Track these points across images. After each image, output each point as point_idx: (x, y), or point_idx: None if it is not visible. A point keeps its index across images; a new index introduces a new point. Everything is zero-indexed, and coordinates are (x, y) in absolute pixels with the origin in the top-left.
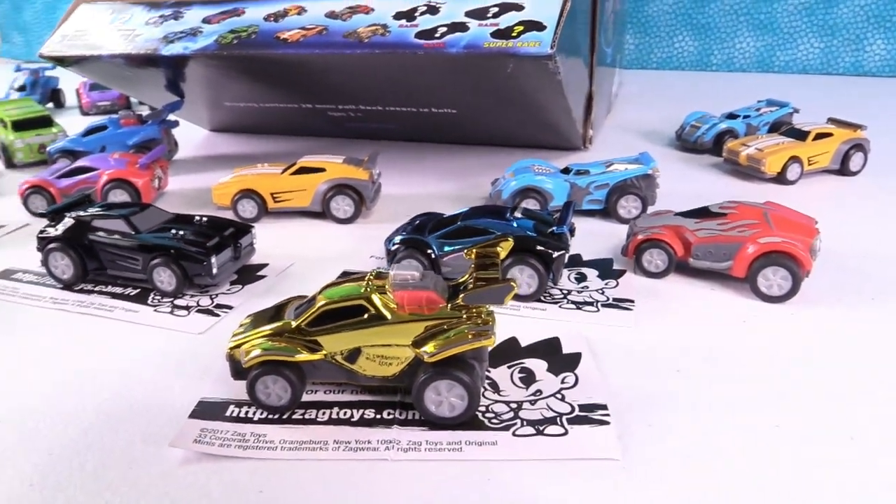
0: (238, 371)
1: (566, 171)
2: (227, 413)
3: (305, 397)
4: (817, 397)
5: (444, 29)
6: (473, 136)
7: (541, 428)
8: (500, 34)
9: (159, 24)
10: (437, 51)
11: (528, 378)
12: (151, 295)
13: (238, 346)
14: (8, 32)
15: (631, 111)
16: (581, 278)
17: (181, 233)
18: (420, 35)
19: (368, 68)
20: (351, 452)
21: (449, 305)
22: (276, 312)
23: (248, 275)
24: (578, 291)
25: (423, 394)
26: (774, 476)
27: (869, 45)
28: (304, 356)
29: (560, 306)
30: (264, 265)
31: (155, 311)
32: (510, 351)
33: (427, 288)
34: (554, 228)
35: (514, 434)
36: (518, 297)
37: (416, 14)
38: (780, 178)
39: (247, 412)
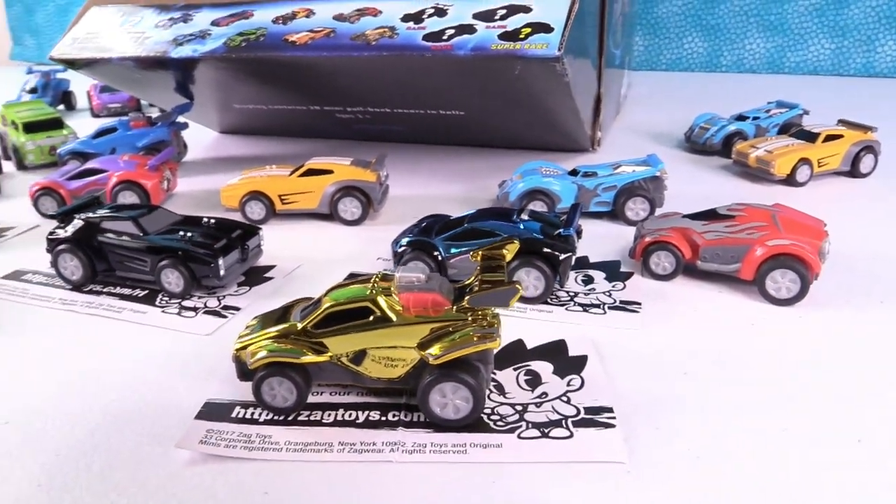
0: (244, 372)
1: (574, 173)
2: (233, 414)
3: (311, 399)
4: (825, 400)
5: (452, 31)
6: (481, 138)
7: (546, 430)
8: (507, 36)
9: (169, 27)
10: (444, 53)
11: (534, 380)
12: (159, 296)
13: (244, 348)
14: (20, 35)
15: (640, 113)
16: (588, 280)
17: (189, 234)
18: (428, 37)
19: (376, 70)
20: (356, 454)
21: (454, 307)
22: (283, 314)
23: (256, 276)
24: (585, 294)
25: (428, 396)
26: (782, 479)
27: (880, 45)
28: (309, 358)
29: (567, 308)
30: (272, 267)
31: (163, 312)
32: (516, 353)
33: (432, 290)
34: (561, 231)
35: (519, 437)
36: (524, 300)
37: (424, 16)
38: (790, 180)
39: (252, 413)
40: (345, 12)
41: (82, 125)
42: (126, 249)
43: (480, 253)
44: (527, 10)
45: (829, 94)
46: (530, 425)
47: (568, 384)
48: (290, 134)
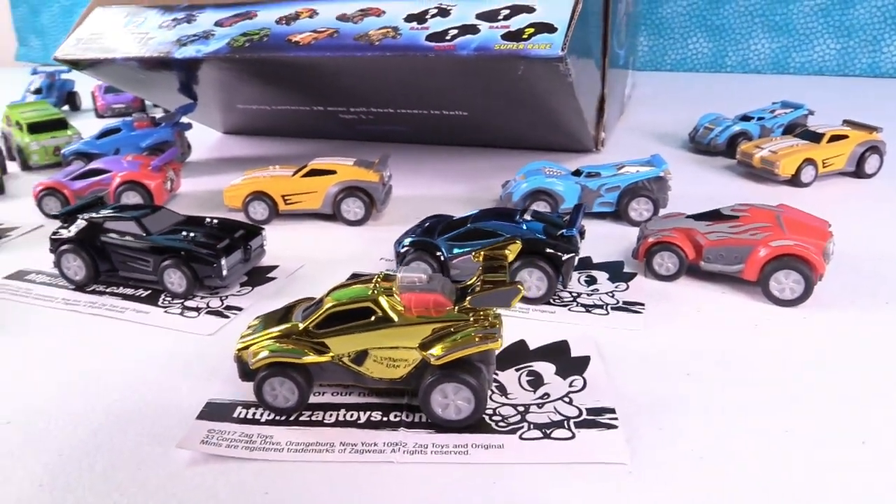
0: (246, 372)
1: (577, 173)
2: (235, 414)
3: (313, 399)
4: (829, 401)
5: (455, 31)
6: (485, 138)
7: (548, 431)
8: (510, 36)
9: (172, 28)
10: (447, 53)
11: (536, 381)
12: (162, 296)
13: (246, 348)
14: (25, 36)
15: (644, 113)
16: (591, 281)
17: (192, 235)
18: (431, 38)
19: (379, 71)
20: (357, 455)
21: (456, 308)
22: (285, 314)
23: (259, 276)
24: (588, 294)
25: (429, 396)
26: (786, 481)
27: (886, 46)
28: (311, 358)
29: (569, 309)
30: (274, 267)
31: (165, 312)
32: (518, 354)
33: (434, 290)
34: (564, 231)
35: (520, 437)
36: (527, 300)
37: (427, 17)
38: (795, 181)
39: (254, 413)
40: (348, 12)
41: (87, 125)
42: (129, 249)
43: (482, 253)
44: (530, 10)
45: (835, 94)
46: (532, 426)
47: (570, 385)
48: (293, 134)
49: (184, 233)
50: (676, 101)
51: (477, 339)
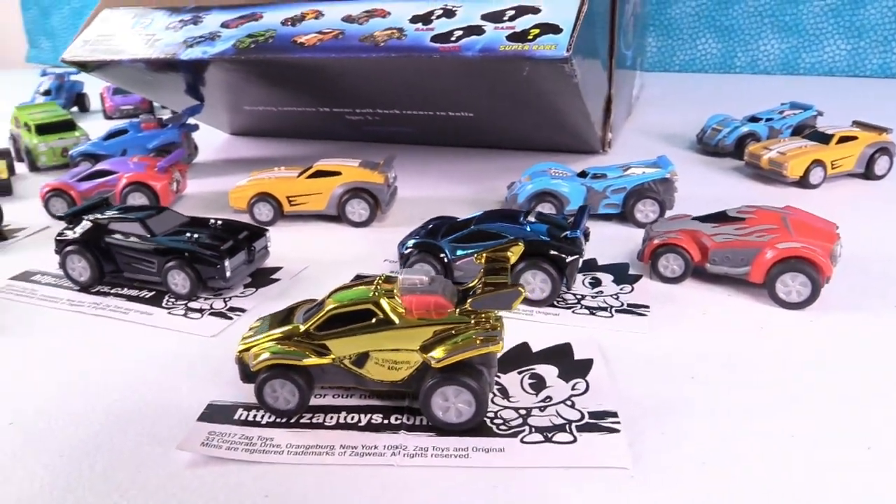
0: (247, 374)
1: (583, 174)
2: (236, 416)
3: (314, 401)
4: (835, 406)
5: (460, 32)
6: (491, 139)
7: (549, 435)
8: (515, 37)
9: (179, 29)
10: (452, 54)
11: (539, 384)
12: (166, 297)
13: (247, 350)
14: (36, 38)
15: (652, 114)
16: (596, 283)
17: (196, 236)
18: (436, 39)
19: (384, 72)
20: (357, 457)
21: (457, 310)
22: (286, 316)
23: (262, 278)
24: (593, 296)
25: (430, 399)
26: (790, 487)
27: None
28: (312, 360)
29: (573, 311)
30: (278, 268)
31: (169, 313)
32: (521, 356)
33: (435, 292)
34: (568, 233)
35: (522, 441)
36: (531, 302)
37: (433, 18)
38: (803, 182)
39: (255, 416)
40: (353, 14)
41: (95, 127)
42: (133, 251)
43: (484, 255)
44: (535, 10)
45: (845, 95)
46: (533, 429)
47: (573, 388)
48: (300, 135)
49: (188, 234)
50: (685, 101)
51: (478, 342)
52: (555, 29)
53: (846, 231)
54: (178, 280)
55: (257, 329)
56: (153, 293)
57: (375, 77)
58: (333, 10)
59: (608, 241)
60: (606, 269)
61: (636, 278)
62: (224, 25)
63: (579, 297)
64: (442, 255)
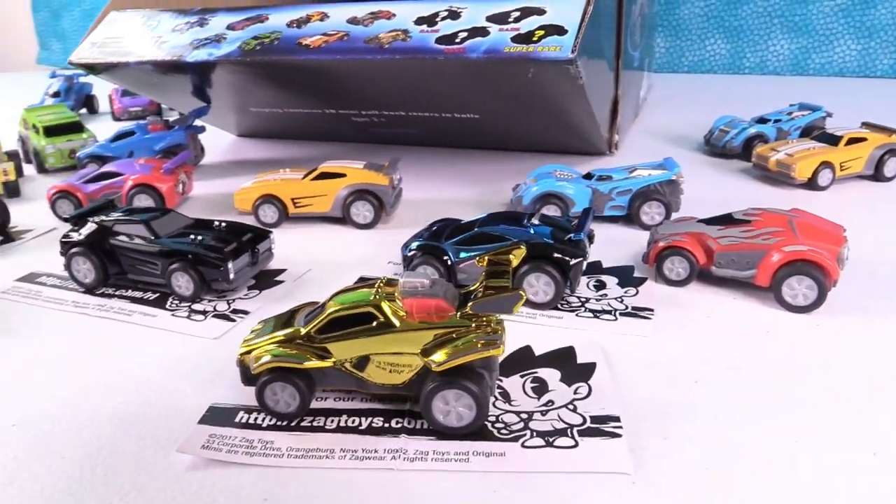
0: (248, 377)
1: (588, 176)
2: (237, 419)
3: (315, 404)
4: (841, 411)
5: (465, 34)
6: (497, 141)
7: (550, 440)
8: (520, 39)
9: (185, 31)
10: (457, 56)
11: (541, 388)
12: (170, 299)
13: (248, 352)
14: (46, 40)
15: (660, 115)
16: (600, 286)
17: (200, 238)
18: (440, 40)
19: (390, 74)
20: (357, 461)
21: (458, 313)
22: (288, 318)
23: (266, 280)
24: (597, 299)
25: (430, 403)
26: (795, 493)
27: None
28: (312, 363)
29: (577, 314)
30: (282, 270)
31: (172, 315)
32: (524, 360)
33: (436, 295)
34: (572, 235)
35: (523, 445)
36: (534, 305)
37: (438, 19)
38: (811, 184)
39: (256, 419)
40: (358, 15)
41: (104, 128)
42: (137, 252)
43: (486, 258)
44: (541, 12)
45: (855, 96)
46: (535, 434)
47: (575, 392)
48: (306, 137)
49: (192, 236)
50: (693, 103)
51: (479, 346)
52: (560, 30)
53: (854, 234)
54: (182, 282)
55: (259, 332)
56: (157, 295)
57: (381, 79)
58: (339, 11)
59: (613, 244)
60: (611, 271)
61: (641, 281)
62: (230, 27)
63: (583, 299)
64: (445, 258)
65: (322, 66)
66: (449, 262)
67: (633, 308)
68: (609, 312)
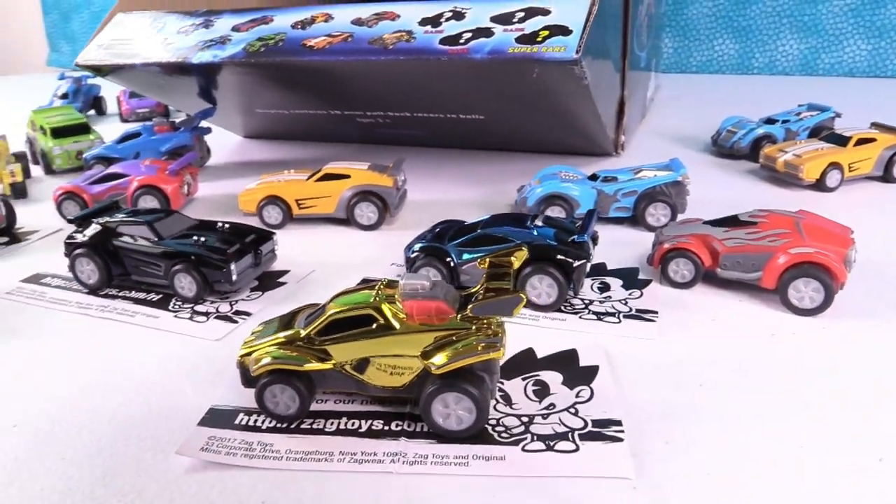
0: (248, 379)
1: (594, 177)
2: (237, 421)
3: (315, 406)
4: (847, 416)
5: (469, 35)
6: (502, 142)
7: (551, 443)
8: (525, 39)
9: (190, 33)
10: (461, 57)
11: (542, 391)
12: (173, 301)
13: (249, 354)
14: (56, 42)
15: (667, 116)
16: (604, 288)
17: (203, 239)
18: (445, 41)
19: (394, 75)
20: (356, 464)
21: (459, 316)
22: (289, 320)
23: (269, 281)
24: (601, 301)
25: (430, 406)
26: (799, 498)
27: None
28: (312, 365)
29: (580, 317)
30: (285, 272)
31: (175, 316)
32: (526, 362)
33: (437, 298)
34: (575, 237)
35: (523, 449)
36: (537, 307)
37: (442, 20)
38: (819, 185)
39: (255, 421)
40: (363, 17)
41: (112, 130)
42: (141, 254)
43: (488, 260)
44: (545, 12)
45: (865, 96)
46: (535, 438)
47: (577, 395)
48: (312, 138)
49: (195, 237)
50: (701, 103)
51: (479, 348)
52: (564, 30)
53: (862, 235)
54: (185, 283)
55: (259, 333)
56: (160, 296)
57: (385, 80)
58: (343, 13)
59: (618, 245)
60: (615, 273)
61: (646, 283)
62: (235, 29)
63: (587, 301)
64: (448, 259)
65: (327, 68)
66: (452, 264)
67: (638, 310)
68: (613, 315)
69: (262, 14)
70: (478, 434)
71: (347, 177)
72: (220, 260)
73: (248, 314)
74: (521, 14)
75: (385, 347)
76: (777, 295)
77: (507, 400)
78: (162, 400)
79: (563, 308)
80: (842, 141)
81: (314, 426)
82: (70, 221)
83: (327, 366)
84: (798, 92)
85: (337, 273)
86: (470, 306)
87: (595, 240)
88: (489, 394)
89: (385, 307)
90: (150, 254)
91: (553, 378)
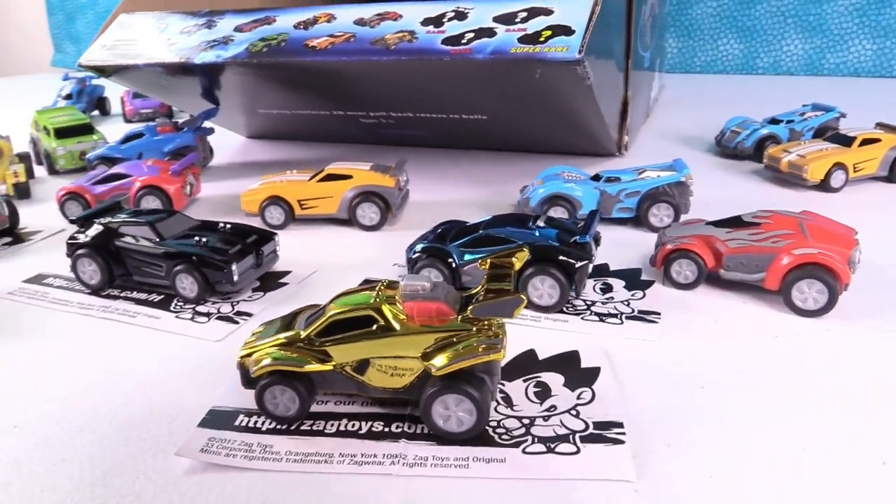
0: (248, 380)
1: (596, 178)
2: (237, 422)
3: (315, 407)
4: (850, 418)
5: (472, 35)
6: (506, 142)
7: (552, 446)
8: (527, 39)
9: (193, 33)
10: (463, 57)
11: (544, 393)
12: (174, 301)
13: (249, 355)
14: (61, 42)
15: (671, 116)
16: (607, 289)
17: (204, 240)
18: (447, 41)
19: (397, 75)
20: (356, 466)
21: (459, 317)
22: (290, 321)
23: (271, 282)
24: (603, 303)
25: (430, 407)
26: (801, 502)
27: None
28: (312, 367)
29: (582, 318)
30: (287, 272)
31: (176, 317)
32: (527, 364)
33: (437, 299)
34: (577, 238)
35: (523, 451)
36: (539, 309)
37: (444, 20)
38: (824, 186)
39: (255, 422)
40: (365, 17)
41: (116, 130)
42: (142, 254)
43: (489, 261)
44: (548, 12)
45: (871, 96)
46: (536, 440)
47: (578, 397)
48: (315, 138)
49: (196, 238)
50: (705, 103)
51: (480, 350)
52: (567, 30)
53: (867, 236)
54: (186, 284)
55: (260, 334)
56: (162, 297)
57: (388, 80)
58: (346, 13)
59: (621, 246)
60: (618, 274)
61: (648, 284)
62: (237, 29)
63: (589, 303)
64: (450, 260)
65: (329, 68)
66: (453, 265)
67: (640, 312)
68: (615, 316)
69: (264, 14)
70: (478, 436)
71: (349, 177)
72: (222, 260)
73: (249, 315)
74: (524, 14)
75: (385, 349)
76: (780, 296)
77: (508, 401)
78: (162, 400)
79: (565, 309)
80: (846, 141)
81: (314, 427)
82: (72, 222)
83: (327, 367)
84: (803, 92)
85: (338, 274)
86: (470, 307)
87: (597, 240)
88: (490, 395)
89: (385, 308)
90: (151, 254)
91: (554, 380)
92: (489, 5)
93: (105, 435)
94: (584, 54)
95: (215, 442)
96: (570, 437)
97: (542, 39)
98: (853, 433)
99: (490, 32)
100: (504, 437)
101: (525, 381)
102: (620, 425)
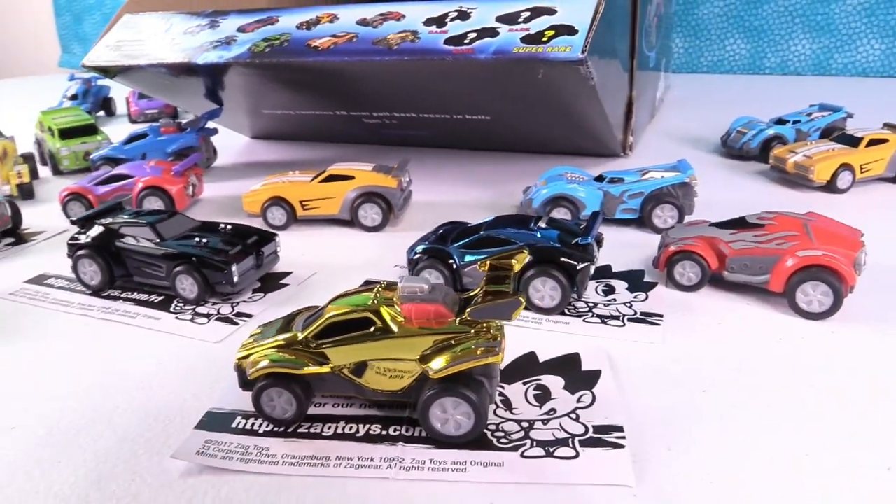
0: (246, 382)
1: (600, 178)
2: (234, 425)
3: (313, 410)
4: (854, 423)
5: (474, 35)
6: (509, 142)
7: (551, 449)
8: (530, 39)
9: (197, 34)
10: (465, 57)
11: (543, 396)
12: (174, 302)
13: (246, 357)
14: (68, 43)
15: (677, 116)
16: (609, 291)
17: (204, 241)
18: (449, 41)
19: (399, 75)
20: (353, 469)
21: (458, 319)
22: (288, 323)
23: (271, 283)
24: (605, 305)
25: (428, 411)
26: None
27: None
28: (310, 369)
29: (584, 320)
30: (288, 273)
31: (176, 318)
32: (527, 366)
33: (435, 301)
34: (579, 239)
35: (522, 455)
36: (540, 310)
37: (447, 20)
38: (830, 187)
39: (252, 424)
40: (368, 17)
41: (121, 131)
42: (143, 255)
43: (489, 263)
44: (551, 12)
45: (879, 97)
46: (535, 443)
47: (578, 400)
48: (319, 139)
49: (197, 239)
50: (712, 103)
51: (478, 353)
52: (570, 30)
53: (873, 238)
54: (186, 285)
55: (258, 336)
56: (162, 298)
57: (391, 80)
58: (348, 13)
59: (624, 247)
60: (621, 276)
61: (651, 286)
62: (240, 29)
63: (591, 305)
64: (451, 261)
65: (332, 68)
66: (454, 266)
67: (643, 314)
68: (617, 318)
69: (267, 15)
70: (476, 439)
71: (352, 178)
72: (222, 261)
73: (249, 316)
74: (527, 14)
75: (383, 351)
76: (785, 298)
77: (508, 405)
78: (160, 402)
79: (566, 311)
80: (853, 142)
81: (311, 430)
82: (73, 223)
83: (325, 369)
84: (810, 92)
85: (339, 275)
86: (468, 310)
87: (600, 242)
88: (488, 399)
89: (383, 310)
90: (151, 255)
91: (554, 382)
92: (492, 5)
93: (102, 436)
94: (587, 54)
95: (212, 444)
96: (570, 440)
97: (545, 39)
98: (858, 438)
99: (493, 32)
100: (503, 440)
101: (525, 383)
102: (620, 429)
